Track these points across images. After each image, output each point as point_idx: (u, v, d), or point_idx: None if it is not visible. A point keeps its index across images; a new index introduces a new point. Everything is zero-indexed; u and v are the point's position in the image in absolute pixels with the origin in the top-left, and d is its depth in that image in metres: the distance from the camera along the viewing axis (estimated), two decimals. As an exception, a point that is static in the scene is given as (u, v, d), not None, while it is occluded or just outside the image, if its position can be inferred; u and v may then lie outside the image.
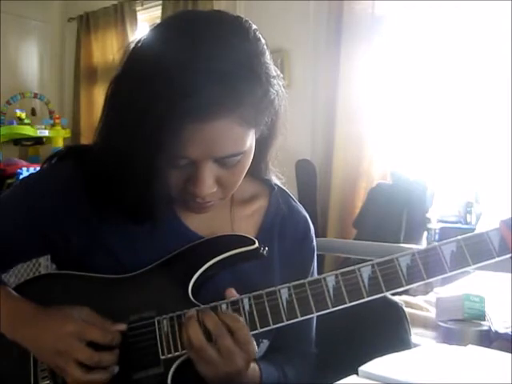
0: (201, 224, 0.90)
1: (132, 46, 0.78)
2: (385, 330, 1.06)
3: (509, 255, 0.74)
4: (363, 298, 0.76)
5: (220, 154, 0.75)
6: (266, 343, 0.89)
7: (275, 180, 0.98)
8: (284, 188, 0.99)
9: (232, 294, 0.79)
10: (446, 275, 0.75)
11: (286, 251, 0.95)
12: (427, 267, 0.75)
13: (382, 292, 0.76)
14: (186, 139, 0.71)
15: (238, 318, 0.76)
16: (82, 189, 0.86)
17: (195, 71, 0.69)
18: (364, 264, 0.76)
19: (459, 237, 0.75)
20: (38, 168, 0.98)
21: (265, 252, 0.84)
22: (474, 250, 0.74)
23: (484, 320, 1.47)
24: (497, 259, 0.74)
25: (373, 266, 0.76)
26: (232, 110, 0.71)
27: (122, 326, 0.80)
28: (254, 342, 0.76)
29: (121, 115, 0.75)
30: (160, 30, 0.77)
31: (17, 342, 0.81)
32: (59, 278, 0.89)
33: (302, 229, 0.98)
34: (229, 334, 0.74)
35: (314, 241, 0.99)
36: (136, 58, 0.76)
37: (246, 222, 0.94)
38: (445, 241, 0.76)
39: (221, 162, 0.76)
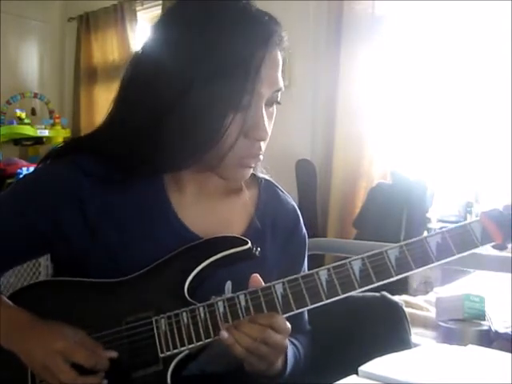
0: (198, 220, 0.91)
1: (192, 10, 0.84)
2: (385, 330, 1.06)
3: (491, 243, 0.80)
4: (355, 289, 0.79)
5: (279, 85, 0.84)
6: None
7: (260, 174, 1.00)
8: (271, 179, 1.02)
9: (257, 280, 0.81)
10: (432, 265, 0.79)
11: (279, 240, 0.97)
12: (415, 258, 0.79)
13: (373, 283, 0.79)
14: (256, 64, 0.79)
15: (272, 313, 0.78)
16: (81, 188, 0.86)
17: (258, 11, 0.84)
18: (354, 258, 0.80)
19: (443, 229, 0.81)
20: (38, 168, 0.97)
21: (257, 252, 0.85)
22: (458, 241, 0.79)
23: (484, 320, 1.47)
24: (480, 247, 0.79)
25: (363, 259, 0.80)
26: (282, 42, 0.84)
27: (113, 354, 0.79)
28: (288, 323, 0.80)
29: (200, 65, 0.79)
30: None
31: (11, 351, 0.81)
32: (55, 285, 0.89)
33: (293, 218, 1.01)
34: (272, 330, 0.77)
35: (304, 229, 1.02)
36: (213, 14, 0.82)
37: (240, 214, 0.95)
38: (430, 233, 0.81)
39: (270, 100, 0.84)
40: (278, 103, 0.87)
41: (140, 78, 0.85)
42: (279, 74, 0.84)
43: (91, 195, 0.86)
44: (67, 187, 0.86)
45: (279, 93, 0.85)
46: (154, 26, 0.87)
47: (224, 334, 0.76)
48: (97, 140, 0.90)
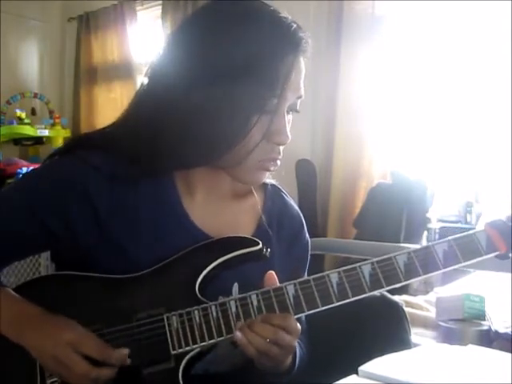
0: (208, 220, 0.92)
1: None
2: (385, 330, 1.06)
3: (495, 253, 0.82)
4: (365, 292, 0.80)
5: (301, 92, 0.85)
6: None
7: (267, 180, 1.00)
8: (277, 184, 1.03)
9: (272, 278, 0.82)
10: (440, 271, 0.82)
11: (284, 244, 0.98)
12: (423, 264, 0.81)
13: (383, 287, 0.81)
14: (286, 70, 0.81)
15: (285, 314, 0.79)
16: (92, 184, 0.85)
17: (286, 18, 0.85)
18: (364, 262, 0.81)
19: (450, 237, 0.83)
20: (38, 168, 0.97)
21: (267, 253, 0.86)
22: (464, 249, 0.82)
23: (484, 320, 1.47)
24: (484, 257, 0.82)
25: (372, 263, 0.81)
26: (307, 50, 0.87)
27: (125, 352, 0.79)
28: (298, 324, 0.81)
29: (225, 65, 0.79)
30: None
31: (20, 345, 0.80)
32: (62, 279, 0.88)
33: (298, 221, 1.02)
34: (285, 332, 0.78)
35: (307, 234, 1.04)
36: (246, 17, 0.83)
37: (248, 216, 0.96)
38: (437, 241, 0.84)
39: (290, 107, 0.85)
40: (297, 111, 0.87)
41: (164, 76, 0.85)
42: (302, 81, 0.85)
43: (102, 192, 0.85)
44: (78, 184, 0.85)
45: (299, 101, 0.86)
46: (181, 27, 0.87)
47: (238, 334, 0.77)
48: (109, 137, 0.90)
